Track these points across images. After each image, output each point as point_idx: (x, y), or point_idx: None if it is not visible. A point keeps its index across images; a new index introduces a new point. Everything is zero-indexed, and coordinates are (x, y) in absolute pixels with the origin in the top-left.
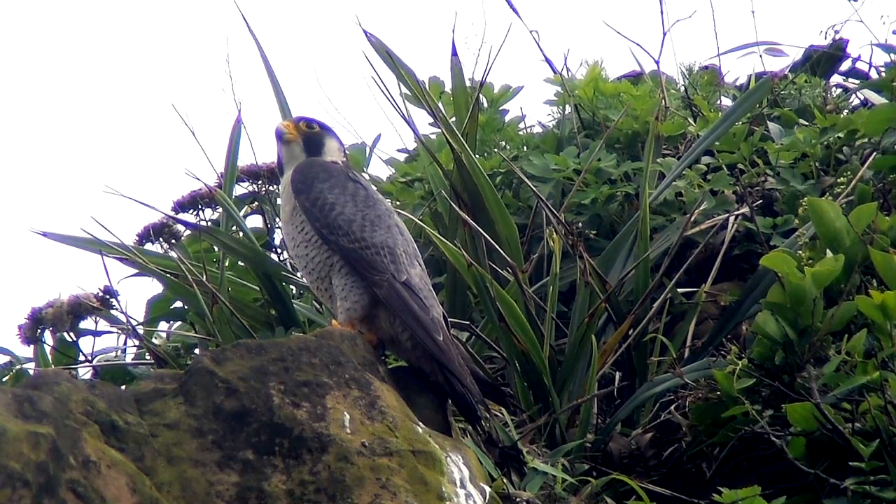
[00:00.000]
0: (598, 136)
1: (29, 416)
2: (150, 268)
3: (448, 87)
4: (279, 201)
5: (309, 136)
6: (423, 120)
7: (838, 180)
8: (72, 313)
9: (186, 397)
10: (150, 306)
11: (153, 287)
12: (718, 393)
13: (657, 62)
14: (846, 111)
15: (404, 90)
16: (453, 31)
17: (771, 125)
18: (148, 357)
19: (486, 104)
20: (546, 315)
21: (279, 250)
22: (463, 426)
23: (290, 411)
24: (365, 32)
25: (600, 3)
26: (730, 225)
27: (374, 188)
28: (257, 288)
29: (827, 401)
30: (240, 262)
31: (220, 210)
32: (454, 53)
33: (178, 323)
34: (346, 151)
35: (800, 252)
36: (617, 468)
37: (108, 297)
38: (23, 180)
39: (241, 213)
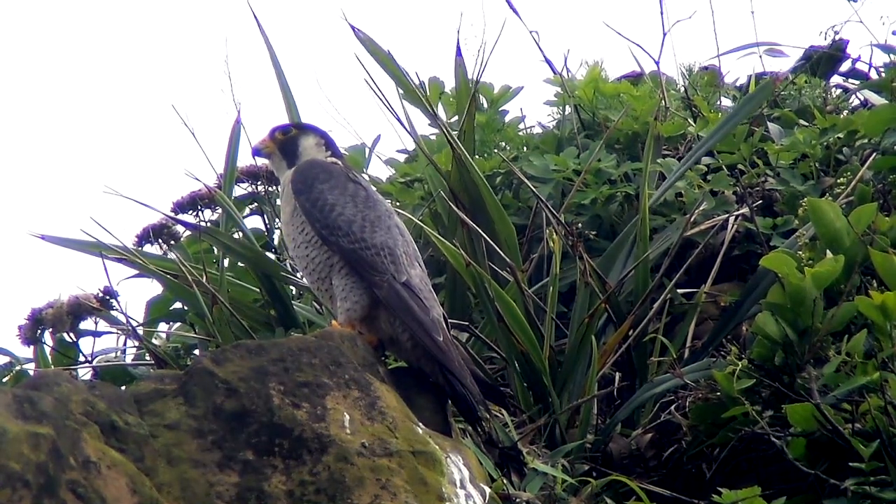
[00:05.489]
0: (598, 136)
1: (29, 416)
2: (149, 269)
3: (450, 88)
4: (279, 202)
5: (283, 143)
6: (423, 120)
7: (838, 181)
8: (72, 314)
9: (186, 398)
10: (149, 307)
11: (153, 288)
12: (718, 393)
13: (657, 63)
14: (846, 112)
15: (400, 90)
16: (458, 31)
17: (771, 126)
18: (148, 358)
19: (486, 104)
20: (546, 315)
21: (279, 251)
22: (463, 427)
23: (290, 412)
24: (353, 28)
25: (600, 3)
26: (730, 225)
27: (374, 189)
28: (257, 289)
29: (827, 401)
30: (239, 263)
31: (220, 211)
32: (459, 54)
33: (178, 324)
34: (331, 141)
35: (800, 252)
36: (617, 469)
37: (107, 297)
38: (22, 182)
39: (241, 214)
